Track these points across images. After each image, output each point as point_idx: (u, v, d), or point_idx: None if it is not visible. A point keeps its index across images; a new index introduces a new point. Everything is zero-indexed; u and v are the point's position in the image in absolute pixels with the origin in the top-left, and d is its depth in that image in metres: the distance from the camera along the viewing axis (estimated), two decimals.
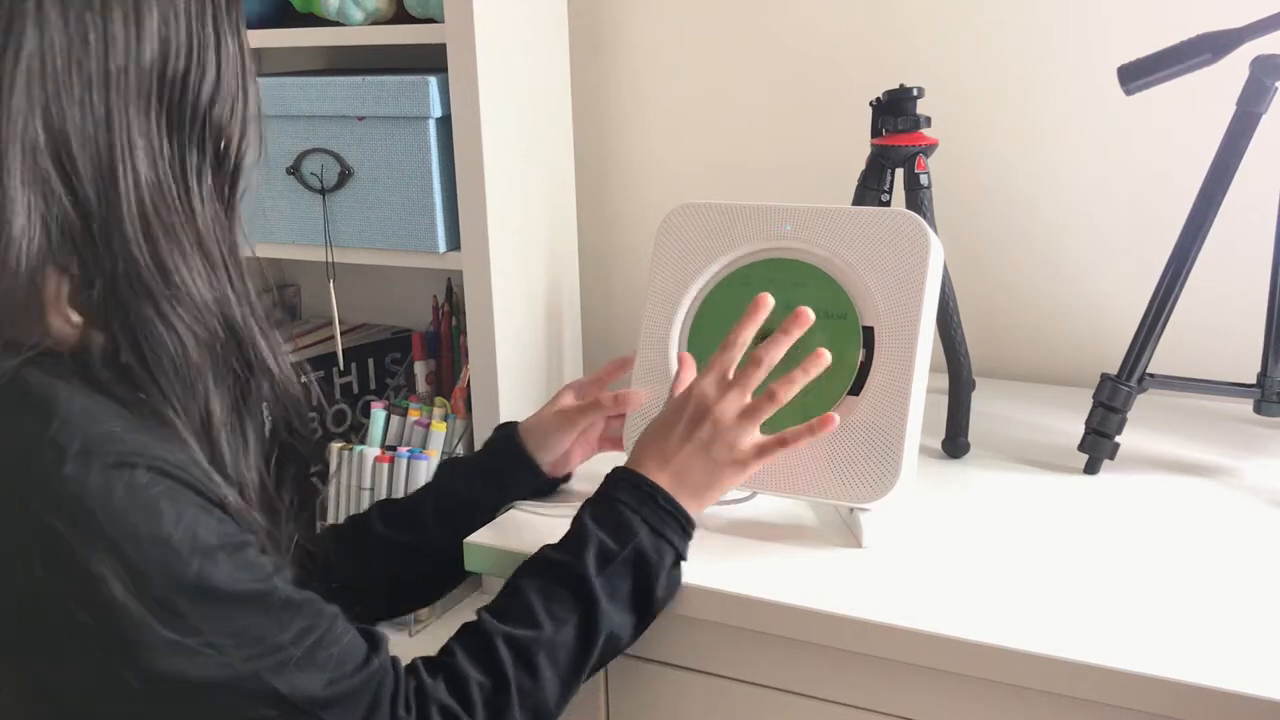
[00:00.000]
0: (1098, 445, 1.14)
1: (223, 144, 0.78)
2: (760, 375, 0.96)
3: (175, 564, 0.70)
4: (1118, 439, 1.14)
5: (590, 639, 0.88)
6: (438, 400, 1.49)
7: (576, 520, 0.93)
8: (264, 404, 0.81)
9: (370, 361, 1.63)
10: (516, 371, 1.43)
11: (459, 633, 0.88)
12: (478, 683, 0.84)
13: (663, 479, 0.95)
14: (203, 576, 0.70)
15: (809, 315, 0.97)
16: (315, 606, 0.77)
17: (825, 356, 0.96)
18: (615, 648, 0.91)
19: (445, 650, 0.87)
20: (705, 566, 0.98)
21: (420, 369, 1.56)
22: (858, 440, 1.00)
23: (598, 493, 0.95)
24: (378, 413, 1.46)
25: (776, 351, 0.97)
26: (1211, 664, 0.81)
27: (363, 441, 1.45)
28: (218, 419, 0.77)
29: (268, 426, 0.83)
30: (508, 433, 1.10)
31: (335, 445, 1.46)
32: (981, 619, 0.88)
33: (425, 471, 1.39)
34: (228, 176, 0.79)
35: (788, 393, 0.95)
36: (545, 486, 1.10)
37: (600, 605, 0.88)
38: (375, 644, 0.81)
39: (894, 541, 1.01)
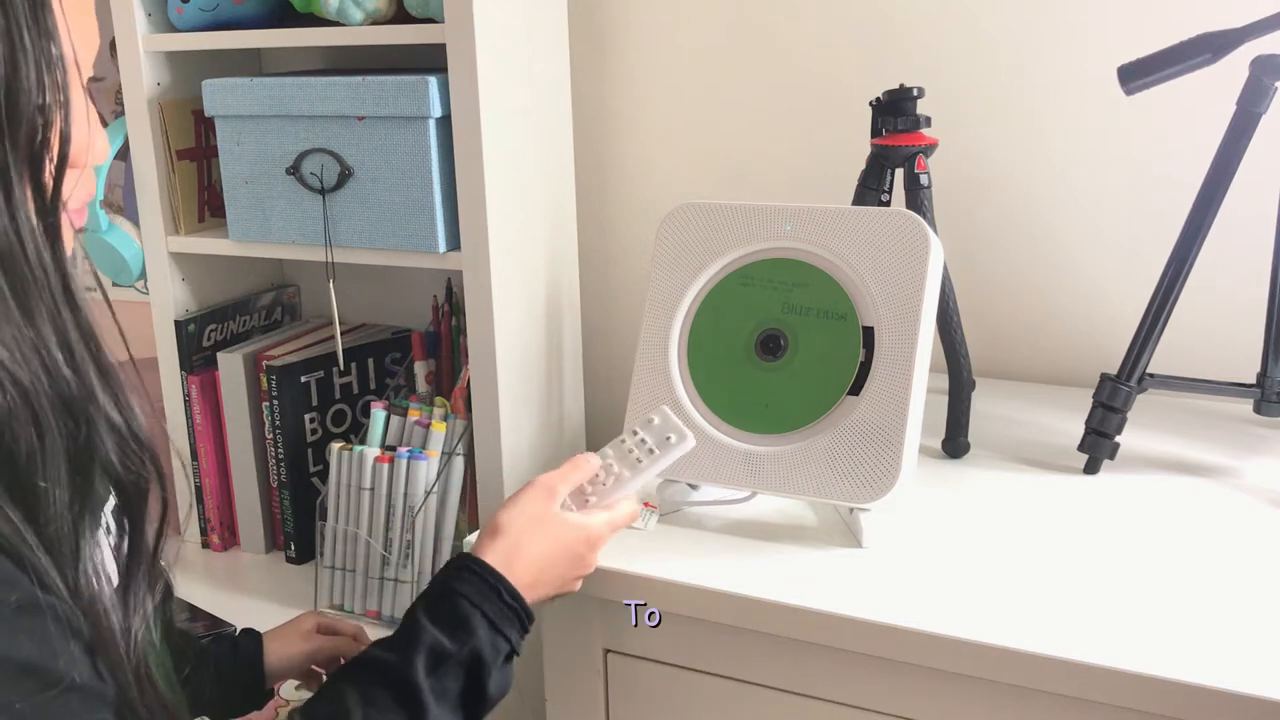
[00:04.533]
0: (1098, 445, 1.14)
1: (37, 155, 0.65)
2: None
3: None
4: (1118, 439, 1.14)
5: None
6: (438, 400, 1.49)
7: (409, 615, 0.86)
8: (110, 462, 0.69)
9: (370, 361, 1.63)
10: (516, 371, 1.43)
11: None
12: None
13: (513, 574, 0.89)
14: None
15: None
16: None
17: None
18: None
19: None
20: (705, 566, 0.98)
21: (420, 369, 1.56)
22: (858, 440, 1.00)
23: (436, 582, 0.89)
24: (378, 413, 1.46)
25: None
26: (1211, 664, 0.81)
27: (363, 442, 1.45)
28: (38, 481, 0.63)
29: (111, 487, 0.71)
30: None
31: (335, 445, 1.46)
32: (981, 619, 0.88)
33: (425, 471, 1.39)
34: (48, 197, 0.66)
35: None
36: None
37: (429, 711, 0.82)
38: None
39: (894, 541, 1.01)
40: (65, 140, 0.66)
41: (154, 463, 0.72)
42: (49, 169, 0.66)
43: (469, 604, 0.86)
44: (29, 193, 0.65)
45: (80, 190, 0.70)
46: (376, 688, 0.82)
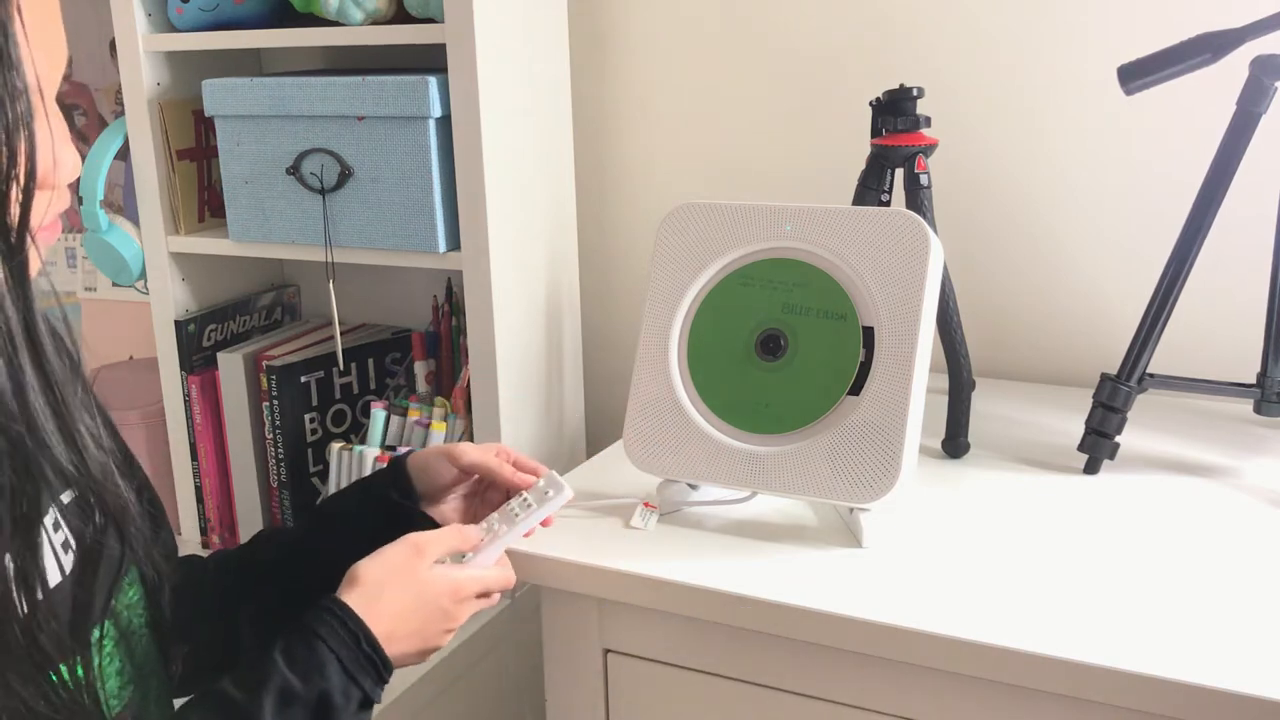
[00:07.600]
0: (1098, 445, 1.14)
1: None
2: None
3: None
4: (1118, 439, 1.14)
5: None
6: (438, 400, 1.49)
7: (266, 650, 0.84)
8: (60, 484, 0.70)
9: (370, 361, 1.63)
10: (516, 371, 1.43)
11: None
12: None
13: (369, 622, 0.87)
14: None
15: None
16: None
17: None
18: None
19: None
20: (705, 566, 0.98)
21: (420, 369, 1.56)
22: (858, 440, 1.00)
23: (299, 621, 0.86)
24: (378, 413, 1.46)
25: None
26: (1211, 664, 0.81)
27: (363, 441, 1.45)
28: None
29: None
30: (398, 458, 1.06)
31: (335, 445, 1.46)
32: (981, 619, 0.88)
33: None
34: (13, 234, 0.63)
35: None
36: (410, 512, 1.03)
37: None
38: None
39: (894, 541, 1.01)
40: (30, 175, 0.63)
41: (106, 487, 0.72)
42: (13, 204, 0.63)
43: (326, 648, 0.84)
44: None
45: (54, 206, 0.68)
46: None
